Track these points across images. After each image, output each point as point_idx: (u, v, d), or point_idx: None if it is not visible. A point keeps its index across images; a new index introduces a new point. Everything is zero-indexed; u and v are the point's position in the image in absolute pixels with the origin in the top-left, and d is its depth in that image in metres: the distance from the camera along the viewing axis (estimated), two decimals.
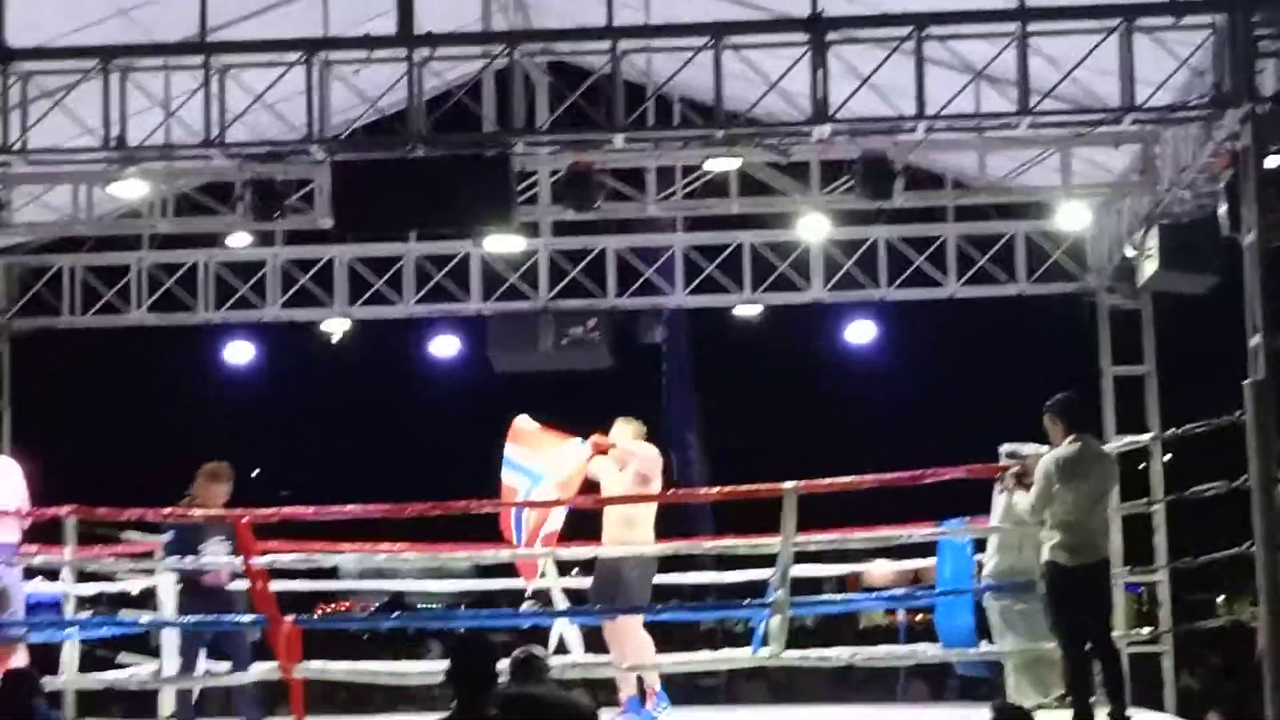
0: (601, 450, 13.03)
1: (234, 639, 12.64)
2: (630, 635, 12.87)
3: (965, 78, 12.68)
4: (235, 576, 12.65)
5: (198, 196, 15.70)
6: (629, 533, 12.80)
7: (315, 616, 13.08)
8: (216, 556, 12.45)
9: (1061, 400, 11.29)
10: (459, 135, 13.05)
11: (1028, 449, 12.05)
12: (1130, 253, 14.62)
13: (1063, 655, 11.35)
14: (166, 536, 12.65)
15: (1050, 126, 13.00)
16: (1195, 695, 18.46)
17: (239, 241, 16.56)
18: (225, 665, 12.71)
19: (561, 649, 13.59)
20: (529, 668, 8.90)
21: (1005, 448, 12.21)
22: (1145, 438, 14.26)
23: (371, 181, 12.63)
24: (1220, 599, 33.73)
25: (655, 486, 13.01)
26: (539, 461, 13.15)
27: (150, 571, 13.60)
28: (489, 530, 13.76)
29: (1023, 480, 11.75)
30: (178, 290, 17.04)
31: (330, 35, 13.03)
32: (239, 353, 18.18)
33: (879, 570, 22.05)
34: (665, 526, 14.39)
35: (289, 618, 12.46)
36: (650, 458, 13.00)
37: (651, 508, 12.94)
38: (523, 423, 13.38)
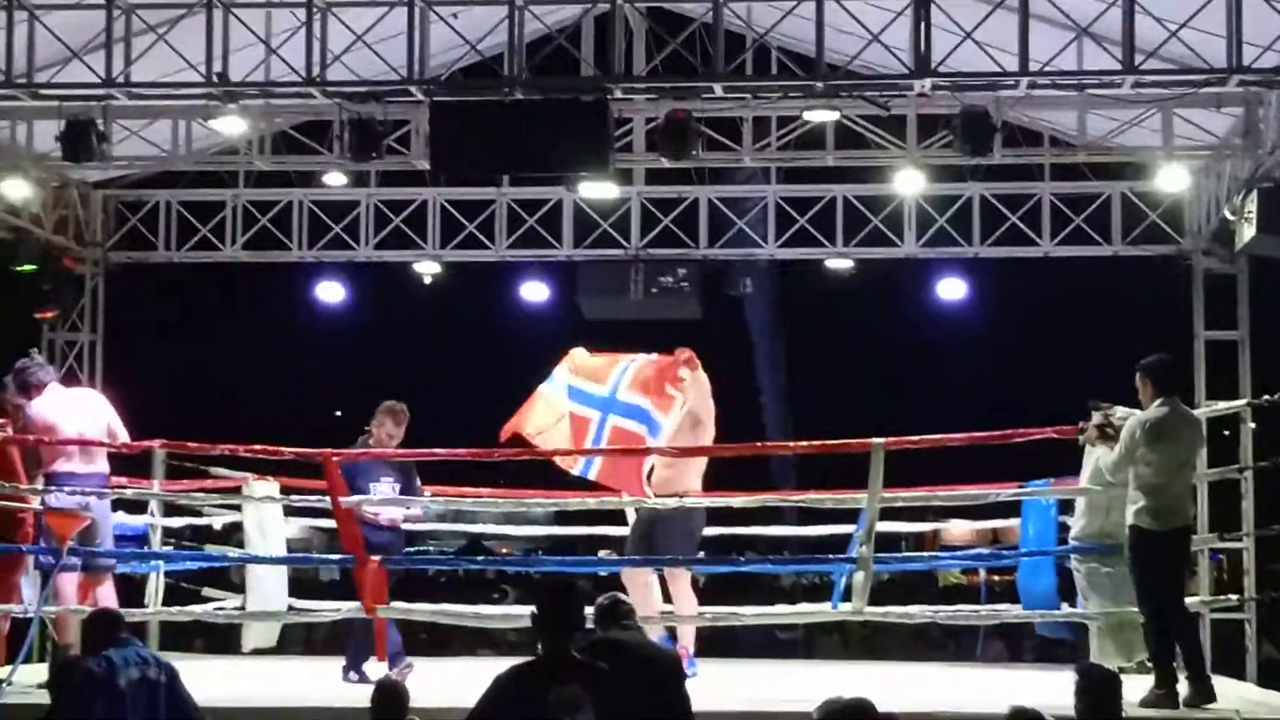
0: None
1: None
2: (653, 586, 12.64)
3: (1069, 34, 12.59)
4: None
5: (295, 134, 15.76)
6: (675, 476, 12.66)
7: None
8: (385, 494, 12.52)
9: (1153, 362, 11.19)
10: (557, 80, 13.07)
11: (1118, 412, 11.95)
12: (1229, 216, 14.46)
13: (1145, 619, 11.29)
14: None
15: (1154, 86, 12.88)
16: (1276, 664, 18.33)
17: (334, 181, 16.63)
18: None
19: None
20: (615, 614, 8.90)
21: (1092, 403, 12.08)
22: (1237, 404, 14.14)
23: (469, 123, 12.69)
24: None
25: (708, 427, 12.86)
26: (604, 385, 13.02)
27: (237, 507, 13.73)
28: (570, 478, 13.79)
29: (1105, 431, 11.61)
30: (271, 228, 17.13)
31: None
32: (331, 292, 18.25)
33: (957, 529, 22.03)
34: (748, 478, 14.40)
35: (375, 558, 12.52)
36: (701, 397, 12.83)
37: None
38: (580, 355, 13.31)
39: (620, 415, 12.77)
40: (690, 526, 12.72)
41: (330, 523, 13.35)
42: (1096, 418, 11.73)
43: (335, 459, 12.36)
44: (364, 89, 13.18)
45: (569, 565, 13.65)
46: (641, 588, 12.42)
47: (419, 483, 12.86)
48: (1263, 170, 13.87)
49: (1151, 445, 10.94)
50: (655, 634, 12.54)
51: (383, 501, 12.57)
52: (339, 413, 29.59)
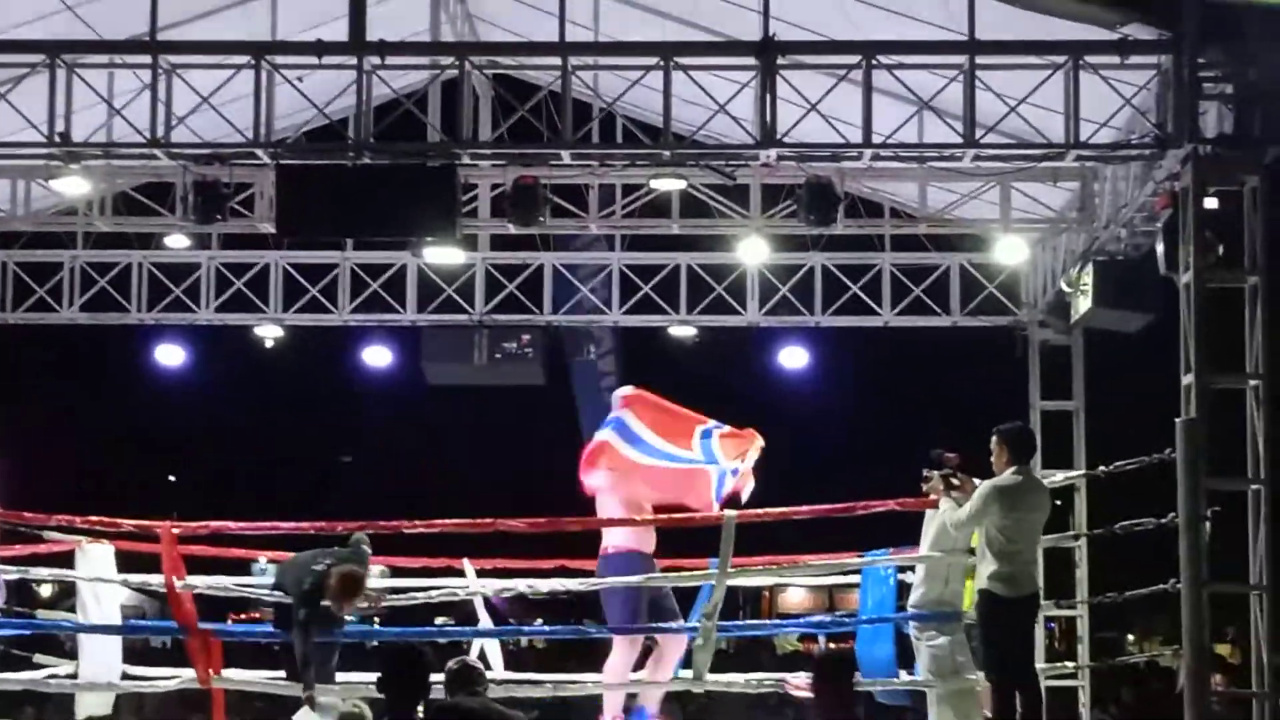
0: None
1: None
2: None
3: (911, 108, 12.78)
4: None
5: (136, 195, 15.60)
6: None
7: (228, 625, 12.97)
8: None
9: (1012, 428, 11.32)
10: (404, 144, 13.03)
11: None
12: (1065, 288, 14.73)
13: (991, 686, 11.38)
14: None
15: (993, 160, 13.10)
16: None
17: (175, 243, 16.45)
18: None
19: (484, 664, 13.55)
20: (464, 678, 8.86)
21: (936, 452, 12.14)
22: (1075, 474, 14.37)
23: (316, 187, 12.62)
24: (1130, 637, 34.00)
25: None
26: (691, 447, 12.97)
27: (70, 572, 13.48)
28: (412, 543, 13.68)
29: (949, 482, 11.71)
30: (110, 290, 16.90)
31: (279, 39, 13.02)
32: (170, 355, 18.06)
33: (794, 595, 22.15)
34: (593, 548, 14.38)
35: (207, 626, 12.37)
36: None
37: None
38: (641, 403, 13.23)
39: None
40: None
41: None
42: (943, 472, 11.85)
43: (174, 532, 12.19)
44: (208, 151, 13.08)
45: (410, 634, 13.51)
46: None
47: None
48: (1098, 244, 14.15)
49: (1006, 512, 11.03)
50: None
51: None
52: (173, 478, 29.27)
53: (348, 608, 12.20)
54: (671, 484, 12.93)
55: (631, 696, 12.74)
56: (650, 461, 12.91)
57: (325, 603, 11.80)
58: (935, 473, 11.88)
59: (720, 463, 12.91)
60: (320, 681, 12.13)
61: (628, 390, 13.29)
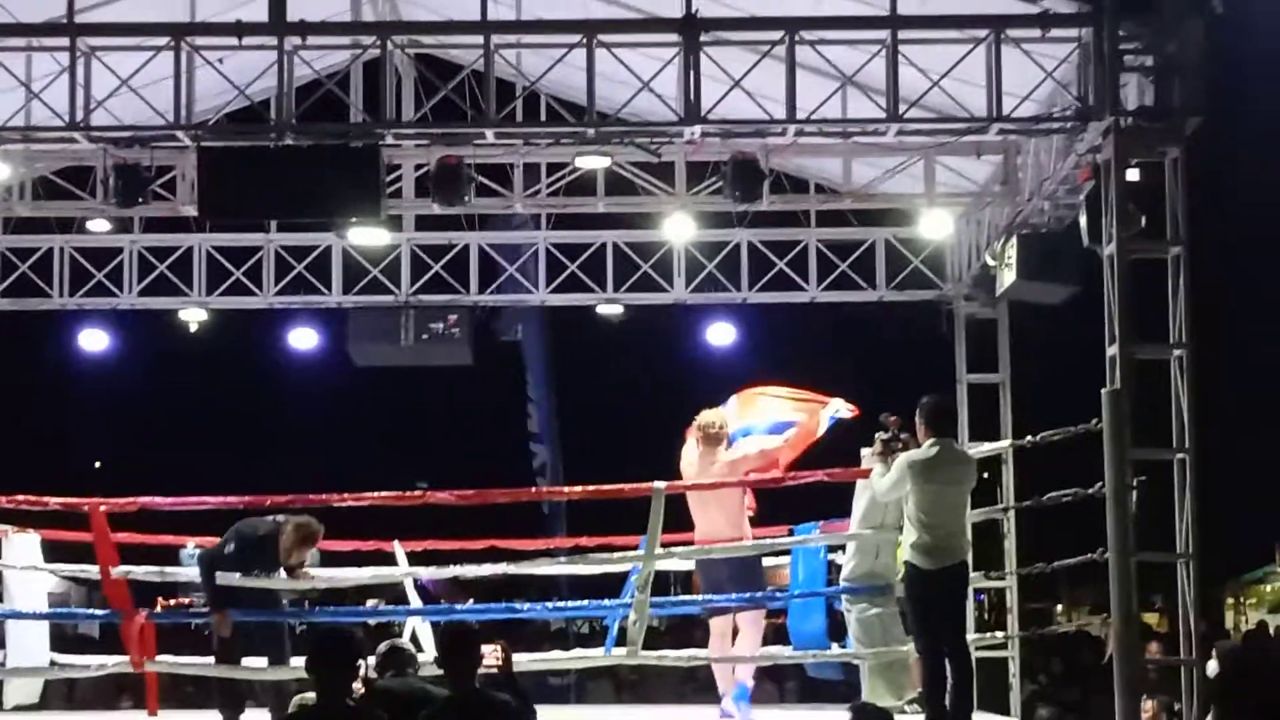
0: None
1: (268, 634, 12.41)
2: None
3: (835, 83, 12.80)
4: None
5: (56, 180, 15.46)
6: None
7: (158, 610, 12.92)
8: None
9: (925, 402, 11.42)
10: (327, 125, 12.95)
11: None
12: (989, 262, 14.80)
13: (919, 657, 11.46)
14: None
15: (916, 134, 13.15)
16: (1035, 700, 18.71)
17: (97, 227, 16.33)
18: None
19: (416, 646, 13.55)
20: (395, 660, 8.88)
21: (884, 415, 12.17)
22: (1001, 445, 14.44)
23: (237, 169, 12.53)
24: (1059, 607, 34.23)
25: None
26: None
27: None
28: (343, 524, 13.66)
29: (890, 446, 11.77)
30: (31, 275, 16.73)
31: (199, 20, 12.93)
32: (94, 340, 17.92)
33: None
34: (520, 524, 14.38)
35: (142, 611, 12.33)
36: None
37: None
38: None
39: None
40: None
41: (92, 573, 13.08)
42: (883, 434, 11.91)
43: (101, 509, 12.15)
44: (129, 134, 12.96)
45: (344, 615, 13.50)
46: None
47: None
48: (1021, 217, 14.22)
49: (923, 484, 11.14)
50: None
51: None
52: (98, 464, 29.06)
53: (297, 555, 12.22)
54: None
55: None
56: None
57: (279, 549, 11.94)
58: (877, 435, 11.95)
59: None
60: (275, 664, 12.16)
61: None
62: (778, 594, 14.06)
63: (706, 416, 13.00)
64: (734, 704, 12.87)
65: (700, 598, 13.10)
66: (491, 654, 8.70)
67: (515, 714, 8.27)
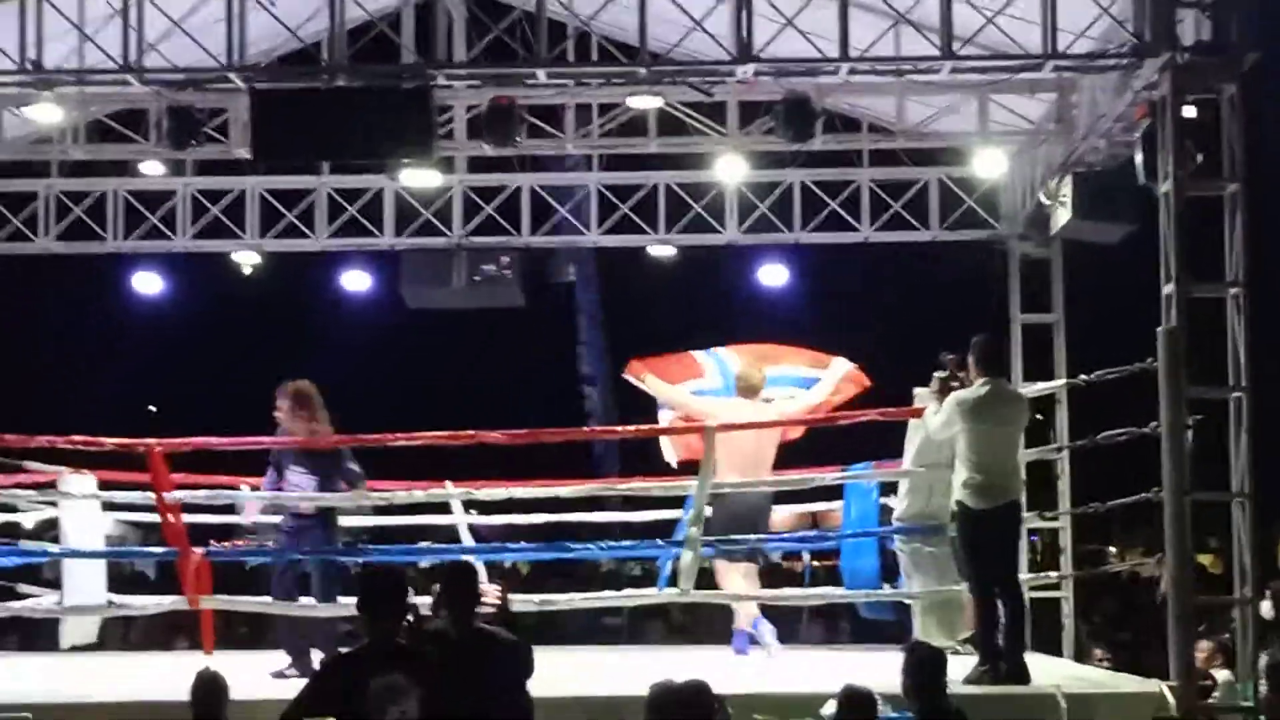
0: None
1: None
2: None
3: (888, 21, 12.73)
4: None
5: (110, 123, 15.51)
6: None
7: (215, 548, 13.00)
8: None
9: (977, 342, 11.40)
10: (379, 66, 12.96)
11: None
12: (1044, 201, 14.71)
13: (974, 597, 11.45)
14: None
15: (970, 72, 13.07)
16: (1088, 641, 18.69)
17: (151, 170, 16.38)
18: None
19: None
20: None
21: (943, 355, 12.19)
22: (1053, 385, 14.40)
23: (290, 111, 12.51)
24: (1112, 549, 34.10)
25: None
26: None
27: (53, 503, 13.50)
28: (396, 465, 13.72)
29: (948, 386, 11.76)
30: (86, 218, 16.79)
31: None
32: (148, 283, 17.97)
33: (779, 515, 22.20)
34: (572, 466, 14.40)
35: (198, 550, 12.41)
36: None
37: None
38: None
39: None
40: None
41: (147, 517, 13.18)
42: (941, 374, 11.90)
43: (159, 450, 12.23)
44: (182, 77, 12.98)
45: (396, 555, 13.55)
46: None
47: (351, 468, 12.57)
48: (1076, 155, 14.12)
49: (974, 423, 11.12)
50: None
51: (209, 497, 12.45)
52: (153, 408, 29.21)
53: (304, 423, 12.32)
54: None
55: None
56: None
57: None
58: (935, 375, 11.94)
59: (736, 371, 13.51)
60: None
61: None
62: (830, 534, 14.10)
63: (745, 369, 13.42)
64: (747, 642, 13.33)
65: (753, 537, 13.11)
66: (492, 594, 8.71)
67: (513, 650, 8.30)
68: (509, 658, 8.28)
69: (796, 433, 13.64)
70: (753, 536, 12.99)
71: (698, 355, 13.97)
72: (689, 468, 12.93)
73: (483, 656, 8.13)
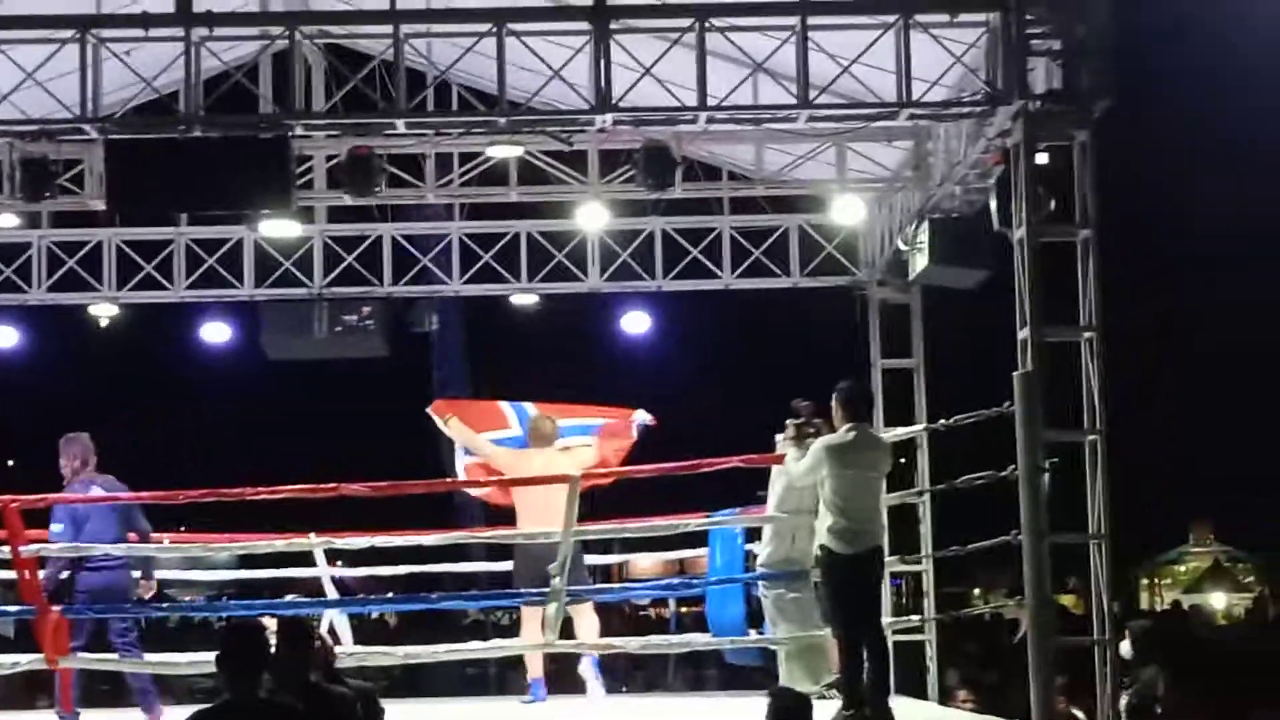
0: None
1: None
2: None
3: (745, 70, 12.80)
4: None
5: None
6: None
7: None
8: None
9: (844, 387, 11.45)
10: (236, 117, 12.86)
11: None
12: (902, 247, 14.86)
13: (836, 642, 11.49)
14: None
15: (827, 120, 13.18)
16: (953, 684, 18.82)
17: (4, 222, 16.12)
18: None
19: (334, 639, 13.53)
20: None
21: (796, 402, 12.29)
22: (914, 429, 14.51)
23: (146, 162, 12.39)
24: (975, 591, 34.46)
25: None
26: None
27: None
28: (258, 519, 13.59)
29: (803, 431, 11.85)
30: None
31: (105, 12, 12.81)
32: (3, 336, 17.70)
33: (644, 562, 22.26)
34: (434, 516, 14.32)
35: (56, 608, 12.22)
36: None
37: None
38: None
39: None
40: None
41: (4, 574, 12.96)
42: (795, 420, 11.97)
43: (14, 505, 12.05)
44: (35, 127, 12.81)
45: (257, 608, 13.39)
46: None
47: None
48: (933, 202, 14.28)
49: (839, 469, 11.17)
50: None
51: (62, 550, 12.26)
52: (11, 462, 28.80)
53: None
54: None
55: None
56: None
57: None
58: (789, 421, 12.01)
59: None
60: None
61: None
62: (695, 580, 14.11)
63: (537, 419, 13.75)
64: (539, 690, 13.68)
65: (617, 585, 13.13)
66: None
67: (356, 703, 8.23)
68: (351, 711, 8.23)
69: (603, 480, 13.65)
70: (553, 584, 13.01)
71: (502, 405, 14.04)
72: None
73: (331, 711, 8.07)
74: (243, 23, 13.36)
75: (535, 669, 13.71)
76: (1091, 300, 12.16)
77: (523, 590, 13.35)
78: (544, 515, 12.82)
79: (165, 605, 19.05)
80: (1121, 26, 12.15)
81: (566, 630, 13.34)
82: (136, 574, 12.71)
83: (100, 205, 14.00)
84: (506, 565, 14.39)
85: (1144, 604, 34.88)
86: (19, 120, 12.71)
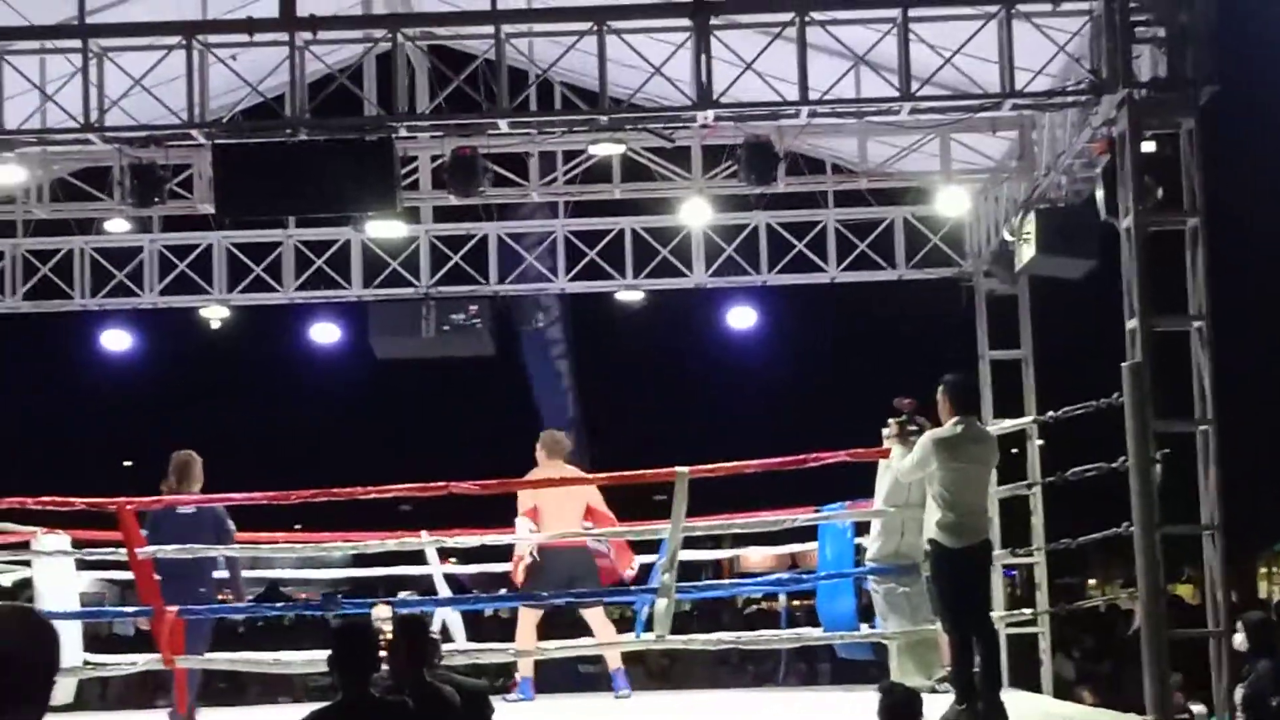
0: None
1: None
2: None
3: (847, 63, 12.76)
4: None
5: (74, 181, 15.50)
6: None
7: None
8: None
9: (951, 380, 11.39)
10: (341, 119, 12.96)
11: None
12: (1008, 238, 14.75)
13: (947, 636, 11.45)
14: None
15: (930, 112, 13.12)
16: (1069, 676, 18.70)
17: (116, 227, 16.37)
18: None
19: (445, 637, 13.64)
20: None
21: (898, 400, 12.29)
22: (1023, 421, 14.41)
23: (253, 165, 12.51)
24: (1091, 582, 34.21)
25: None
26: None
27: (27, 562, 13.46)
28: (369, 518, 13.70)
29: (905, 429, 11.82)
30: (53, 277, 16.77)
31: (210, 18, 12.95)
32: (117, 340, 17.96)
33: (755, 556, 22.24)
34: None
35: (172, 609, 12.36)
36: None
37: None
38: None
39: None
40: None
41: (124, 574, 13.13)
42: (898, 418, 11.94)
43: (129, 508, 12.20)
44: (143, 134, 12.97)
45: (368, 607, 13.50)
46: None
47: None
48: (1038, 191, 14.18)
49: (947, 462, 11.11)
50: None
51: (178, 550, 12.39)
52: (128, 463, 29.15)
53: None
54: None
55: None
56: None
57: None
58: (892, 420, 11.98)
59: None
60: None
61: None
62: (805, 576, 14.09)
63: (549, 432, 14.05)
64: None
65: (726, 582, 13.13)
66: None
67: (468, 702, 8.26)
68: (463, 710, 8.27)
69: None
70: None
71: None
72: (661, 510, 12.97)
73: (440, 710, 8.11)
74: (346, 26, 13.47)
75: (526, 668, 13.88)
76: (1200, 288, 12.03)
77: (635, 589, 13.43)
78: (558, 521, 13.21)
79: (280, 605, 19.30)
80: (1225, 10, 12.02)
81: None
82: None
83: (209, 209, 14.16)
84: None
85: (1264, 594, 34.46)
86: (128, 127, 12.87)
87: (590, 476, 13.90)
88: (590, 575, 13.47)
